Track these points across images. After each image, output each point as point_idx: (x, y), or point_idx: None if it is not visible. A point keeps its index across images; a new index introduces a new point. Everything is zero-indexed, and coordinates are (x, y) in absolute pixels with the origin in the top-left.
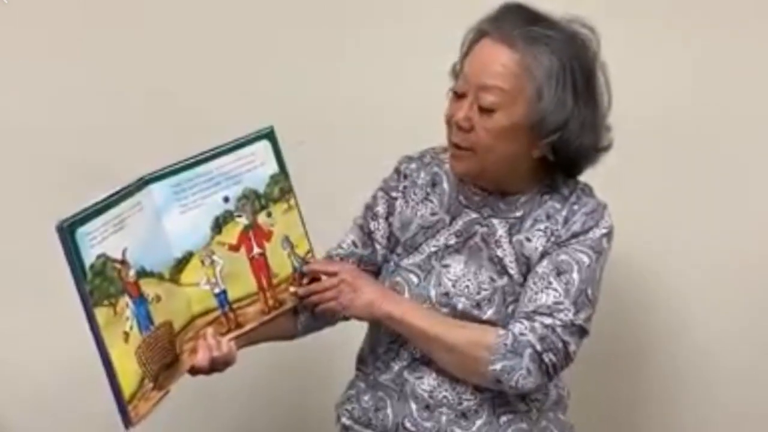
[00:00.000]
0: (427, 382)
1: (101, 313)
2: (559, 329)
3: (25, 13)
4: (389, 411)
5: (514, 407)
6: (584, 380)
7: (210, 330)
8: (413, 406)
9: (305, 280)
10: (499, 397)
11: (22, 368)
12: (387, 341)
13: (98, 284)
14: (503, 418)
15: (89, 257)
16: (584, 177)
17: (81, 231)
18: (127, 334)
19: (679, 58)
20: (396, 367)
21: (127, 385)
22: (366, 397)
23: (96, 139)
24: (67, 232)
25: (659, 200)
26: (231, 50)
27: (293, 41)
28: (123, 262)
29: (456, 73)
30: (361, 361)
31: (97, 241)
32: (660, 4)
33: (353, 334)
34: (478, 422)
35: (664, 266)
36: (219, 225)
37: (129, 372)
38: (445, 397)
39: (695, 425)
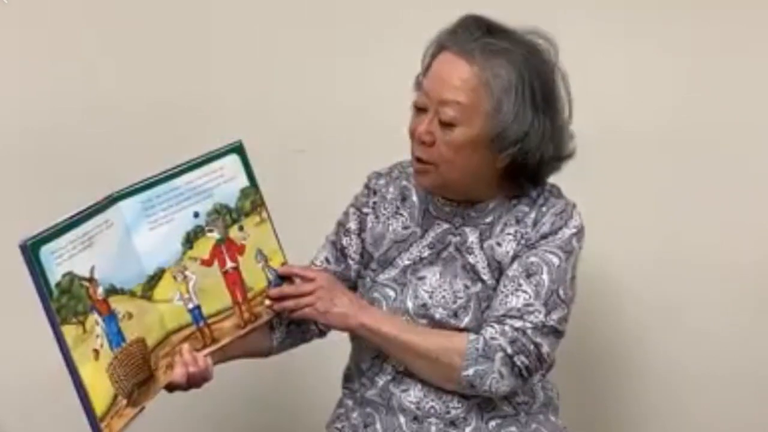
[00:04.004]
0: (413, 394)
1: (69, 331)
2: (529, 331)
3: (24, 14)
4: (378, 426)
5: (501, 412)
6: (577, 381)
7: (186, 346)
8: (402, 419)
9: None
10: (486, 403)
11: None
12: (370, 357)
13: (65, 302)
14: (492, 423)
15: (54, 275)
16: (568, 182)
17: (45, 249)
18: (97, 352)
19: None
20: (381, 381)
21: (99, 403)
22: (354, 414)
23: (92, 142)
24: (31, 251)
25: (653, 204)
26: (232, 55)
27: (294, 45)
28: (91, 279)
29: (419, 86)
30: (347, 379)
31: (64, 259)
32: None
33: (339, 352)
34: (468, 429)
35: (656, 270)
36: (190, 240)
37: (100, 389)
38: (432, 407)
39: (687, 426)
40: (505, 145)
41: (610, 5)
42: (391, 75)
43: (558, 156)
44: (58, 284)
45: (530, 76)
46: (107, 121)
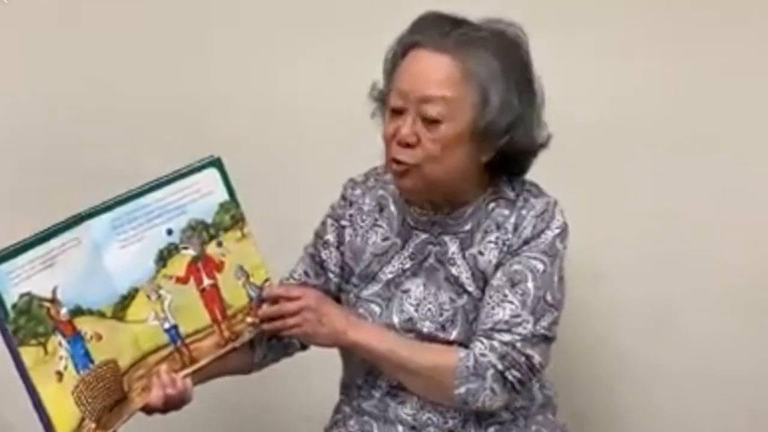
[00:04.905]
0: (409, 406)
1: (28, 353)
2: (519, 344)
3: (27, 12)
4: None
5: (500, 418)
6: (569, 381)
7: (164, 367)
8: (399, 428)
9: (265, 306)
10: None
11: None
12: (363, 372)
13: (23, 324)
14: (491, 430)
15: (11, 296)
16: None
17: (0, 270)
18: (60, 374)
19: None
20: (377, 394)
21: (62, 426)
22: (352, 422)
23: (91, 142)
24: None
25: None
26: (231, 55)
27: (291, 47)
28: (53, 300)
29: (376, 95)
30: (345, 386)
31: (21, 279)
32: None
33: (322, 367)
34: None
35: (646, 270)
36: (164, 258)
37: (64, 413)
38: (429, 418)
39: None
40: (495, 135)
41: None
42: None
43: (538, 144)
44: (14, 305)
45: (511, 63)
46: (109, 119)
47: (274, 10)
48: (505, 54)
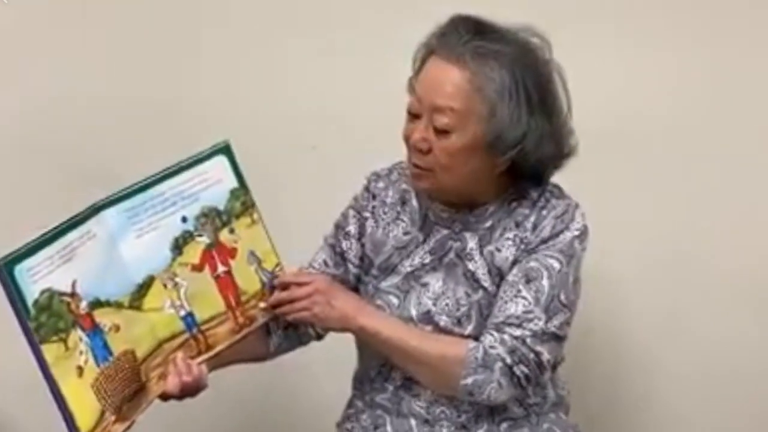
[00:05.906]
0: (423, 400)
1: (50, 350)
2: (529, 340)
3: (24, 13)
4: (389, 428)
5: (512, 414)
6: (577, 382)
7: (180, 354)
8: (413, 422)
9: (276, 293)
10: (496, 406)
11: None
12: (378, 365)
13: (44, 320)
14: (503, 425)
15: (32, 293)
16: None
17: (20, 267)
18: (81, 368)
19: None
20: (390, 387)
21: (84, 421)
22: (364, 416)
23: (94, 141)
24: (5, 270)
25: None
26: (239, 52)
27: (301, 44)
28: (73, 294)
29: (412, 89)
30: (358, 381)
31: (41, 276)
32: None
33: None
34: None
35: (654, 273)
36: (179, 246)
37: (85, 407)
38: (442, 411)
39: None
40: (503, 148)
41: (610, 3)
42: (404, 71)
43: (559, 154)
44: (35, 302)
45: (524, 77)
46: (108, 120)
47: (277, 10)
48: (520, 68)
